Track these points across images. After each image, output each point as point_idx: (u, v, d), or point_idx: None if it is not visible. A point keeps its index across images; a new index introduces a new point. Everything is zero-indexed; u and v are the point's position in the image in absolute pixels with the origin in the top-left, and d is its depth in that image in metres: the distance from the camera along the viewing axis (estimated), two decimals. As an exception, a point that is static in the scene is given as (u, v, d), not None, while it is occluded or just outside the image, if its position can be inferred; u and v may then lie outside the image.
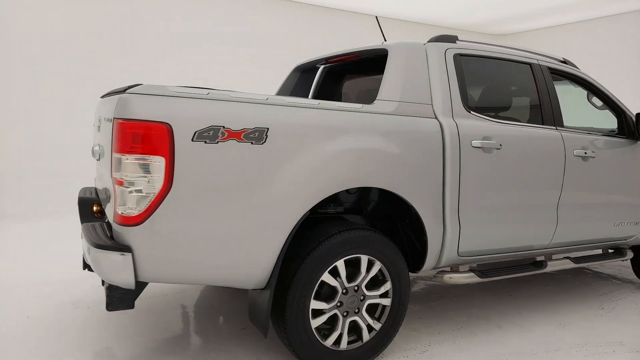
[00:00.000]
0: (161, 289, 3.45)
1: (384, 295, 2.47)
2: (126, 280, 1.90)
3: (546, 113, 3.08)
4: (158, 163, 1.88)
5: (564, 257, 3.31)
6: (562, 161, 3.03)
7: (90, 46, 6.76)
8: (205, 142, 1.94)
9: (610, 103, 3.45)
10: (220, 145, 1.97)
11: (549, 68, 3.21)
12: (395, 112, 2.46)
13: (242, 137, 2.01)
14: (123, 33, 6.98)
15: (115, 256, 1.88)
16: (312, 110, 2.21)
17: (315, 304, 2.26)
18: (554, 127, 3.08)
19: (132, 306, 2.09)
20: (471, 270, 2.86)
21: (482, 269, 2.92)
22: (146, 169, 1.88)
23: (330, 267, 2.27)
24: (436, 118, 2.60)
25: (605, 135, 3.36)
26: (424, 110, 2.57)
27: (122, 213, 1.91)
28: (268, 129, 2.06)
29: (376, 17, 3.14)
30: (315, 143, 2.17)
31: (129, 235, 1.90)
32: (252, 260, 2.08)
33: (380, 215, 2.84)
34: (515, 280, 3.95)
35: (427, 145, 2.51)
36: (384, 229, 2.84)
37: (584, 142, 3.17)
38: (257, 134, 2.04)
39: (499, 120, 2.83)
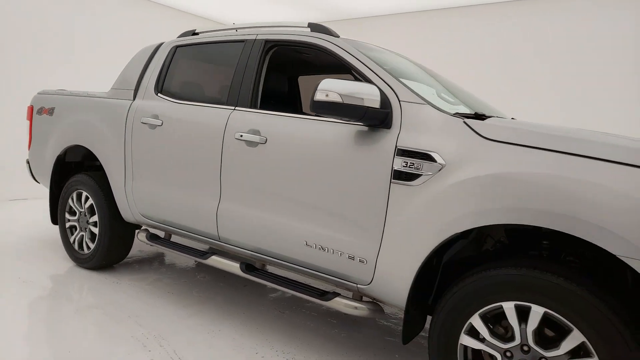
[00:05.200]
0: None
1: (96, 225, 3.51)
2: None
3: (235, 92, 2.72)
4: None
5: (242, 263, 2.65)
6: (219, 145, 2.65)
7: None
8: (39, 114, 3.96)
9: (366, 78, 2.31)
10: (43, 115, 3.92)
11: (267, 41, 2.71)
12: (110, 96, 3.42)
13: (47, 112, 3.88)
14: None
15: None
16: (71, 97, 3.70)
17: (68, 216, 3.72)
18: (232, 107, 2.69)
19: None
20: (147, 231, 3.17)
21: (164, 237, 3.14)
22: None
23: (73, 194, 3.66)
24: (132, 100, 3.27)
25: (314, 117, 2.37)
26: (126, 95, 3.32)
27: None
28: (54, 107, 3.80)
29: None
30: (69, 114, 3.67)
31: None
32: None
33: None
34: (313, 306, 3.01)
35: (118, 121, 3.29)
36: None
37: (262, 123, 2.51)
38: (50, 110, 3.83)
39: (176, 101, 2.98)
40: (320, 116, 2.32)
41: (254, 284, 3.56)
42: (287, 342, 2.64)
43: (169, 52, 3.24)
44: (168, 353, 2.42)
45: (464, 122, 1.96)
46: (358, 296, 2.33)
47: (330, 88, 2.03)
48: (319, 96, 2.03)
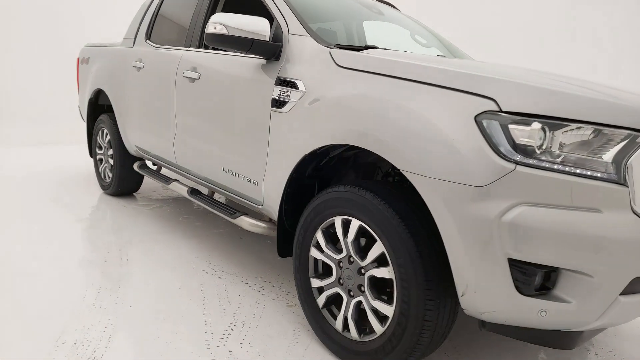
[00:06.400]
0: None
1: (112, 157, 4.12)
2: None
3: (190, 34, 3.02)
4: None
5: (189, 188, 3.02)
6: (173, 81, 2.98)
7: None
8: (82, 64, 4.64)
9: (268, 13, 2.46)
10: (84, 65, 4.60)
11: (216, -13, 2.94)
12: (120, 45, 3.93)
13: (86, 62, 4.54)
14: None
15: None
16: (98, 48, 4.29)
17: (97, 150, 4.40)
18: (186, 48, 2.98)
19: None
20: (140, 161, 3.66)
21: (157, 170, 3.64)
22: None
23: (99, 132, 4.31)
24: (132, 47, 3.72)
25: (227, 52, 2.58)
26: (129, 43, 3.78)
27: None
28: (89, 57, 4.44)
29: None
30: (96, 63, 4.27)
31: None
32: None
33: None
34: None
35: (120, 65, 3.79)
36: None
37: (198, 61, 2.78)
38: (87, 60, 4.48)
39: (157, 46, 3.36)
40: (233, 51, 2.53)
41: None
42: (226, 259, 2.98)
43: (158, 2, 3.62)
44: (120, 254, 2.91)
45: (329, 52, 2.05)
46: (268, 217, 2.57)
47: (219, 21, 2.22)
48: (209, 29, 2.25)
